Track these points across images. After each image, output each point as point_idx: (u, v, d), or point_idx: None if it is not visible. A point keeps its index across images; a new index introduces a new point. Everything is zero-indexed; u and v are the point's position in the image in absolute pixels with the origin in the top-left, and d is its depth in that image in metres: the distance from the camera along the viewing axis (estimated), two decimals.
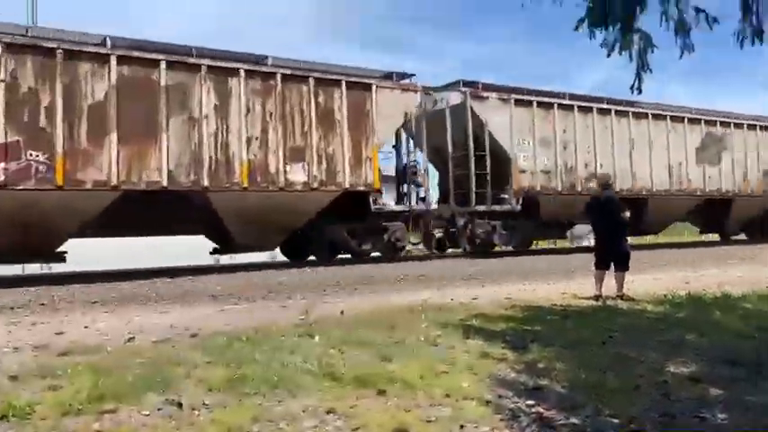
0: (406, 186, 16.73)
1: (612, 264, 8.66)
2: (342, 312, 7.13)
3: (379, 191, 15.47)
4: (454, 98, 17.77)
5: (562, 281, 10.95)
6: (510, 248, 18.54)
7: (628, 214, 8.89)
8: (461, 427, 3.83)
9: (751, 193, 23.11)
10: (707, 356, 5.46)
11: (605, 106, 19.85)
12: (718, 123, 22.42)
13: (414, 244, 16.98)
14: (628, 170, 19.89)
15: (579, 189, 18.69)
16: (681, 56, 6.05)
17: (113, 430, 3.65)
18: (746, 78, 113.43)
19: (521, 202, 17.72)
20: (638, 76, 6.06)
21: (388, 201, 16.71)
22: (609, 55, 6.09)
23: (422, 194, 16.89)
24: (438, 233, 18.00)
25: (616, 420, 4.00)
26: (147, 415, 3.88)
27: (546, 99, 18.67)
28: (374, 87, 15.53)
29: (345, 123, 14.91)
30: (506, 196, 17.75)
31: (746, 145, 22.96)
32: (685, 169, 21.24)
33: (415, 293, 9.20)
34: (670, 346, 5.74)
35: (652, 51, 6.01)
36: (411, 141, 17.35)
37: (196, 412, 3.93)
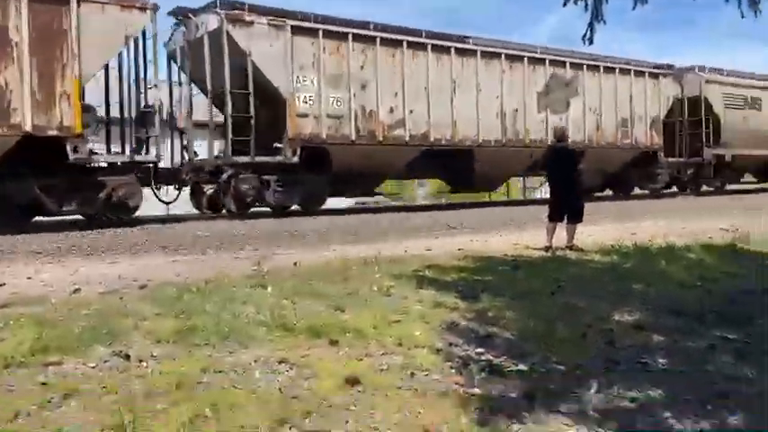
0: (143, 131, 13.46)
1: (566, 216, 8.82)
2: (296, 264, 7.08)
3: (81, 136, 12.15)
4: (212, 22, 14.54)
5: (515, 232, 11.09)
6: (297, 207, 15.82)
7: (583, 165, 9.02)
8: (412, 375, 3.90)
9: (605, 145, 20.68)
10: (652, 306, 5.62)
11: (420, 40, 16.83)
12: (568, 65, 19.68)
13: (167, 203, 14.25)
14: (448, 117, 17.09)
15: (380, 138, 15.92)
16: (634, 6, 6.10)
17: (58, 383, 3.59)
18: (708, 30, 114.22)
19: (300, 152, 14.84)
20: (591, 27, 6.08)
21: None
22: (565, 4, 6.10)
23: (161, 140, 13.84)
24: (209, 190, 15.22)
25: (562, 367, 4.13)
26: (94, 367, 3.83)
27: (338, 28, 15.51)
28: (74, 1, 12.03)
29: (27, 47, 11.56)
30: (281, 145, 14.87)
31: (602, 90, 20.48)
32: (523, 117, 18.50)
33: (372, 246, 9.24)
34: (617, 296, 5.89)
35: (606, 2, 6.04)
36: (178, 75, 14.69)
37: (144, 364, 3.90)
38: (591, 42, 6.11)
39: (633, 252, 8.21)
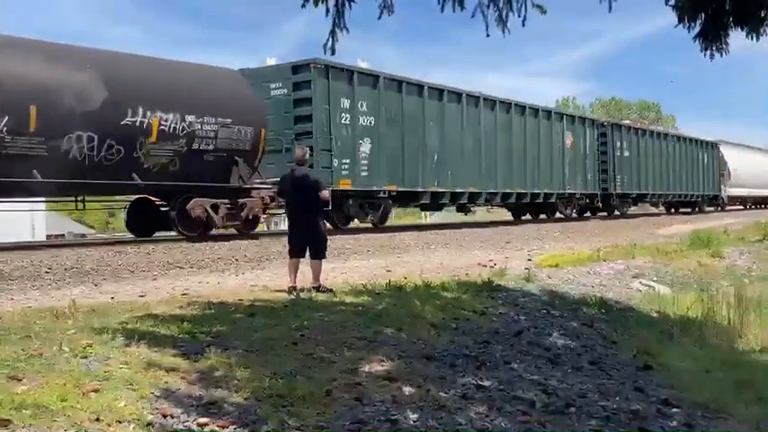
0: None
1: (308, 251, 9.01)
2: None
3: None
4: None
5: (254, 270, 11.14)
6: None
7: (327, 193, 9.31)
8: None
9: None
10: (403, 352, 5.97)
11: None
12: None
13: None
14: None
15: None
16: (380, 16, 6.46)
17: None
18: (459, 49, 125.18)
19: None
20: (333, 34, 6.32)
21: None
22: (303, 5, 6.30)
23: None
24: None
25: None
26: None
27: None
28: None
29: None
30: None
31: None
32: None
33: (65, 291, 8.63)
34: (367, 343, 6.18)
35: (350, 7, 6.33)
36: None
37: None
38: (333, 52, 6.36)
39: (387, 292, 8.65)
